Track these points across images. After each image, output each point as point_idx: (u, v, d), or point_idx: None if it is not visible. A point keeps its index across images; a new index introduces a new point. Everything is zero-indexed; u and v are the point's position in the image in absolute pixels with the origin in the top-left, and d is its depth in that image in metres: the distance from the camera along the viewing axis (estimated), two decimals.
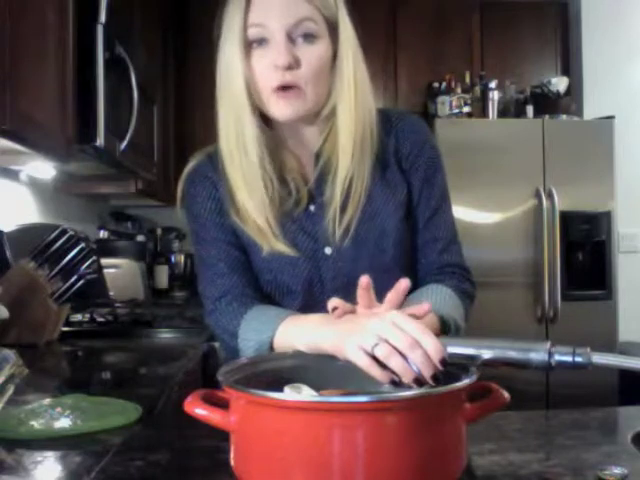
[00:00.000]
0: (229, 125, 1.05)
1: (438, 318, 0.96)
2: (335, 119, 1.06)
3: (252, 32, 1.00)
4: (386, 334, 0.74)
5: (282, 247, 1.05)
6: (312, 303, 1.07)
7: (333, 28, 1.04)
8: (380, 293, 0.91)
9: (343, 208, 1.06)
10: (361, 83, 1.06)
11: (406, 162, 1.12)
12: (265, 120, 1.07)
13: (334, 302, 0.86)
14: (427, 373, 0.72)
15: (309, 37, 1.00)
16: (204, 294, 1.11)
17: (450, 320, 0.98)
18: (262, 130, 1.05)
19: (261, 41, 1.00)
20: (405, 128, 1.13)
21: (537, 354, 0.71)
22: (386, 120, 1.13)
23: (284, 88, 1.00)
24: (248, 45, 1.01)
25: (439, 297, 1.04)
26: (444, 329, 0.96)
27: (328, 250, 1.08)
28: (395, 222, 1.08)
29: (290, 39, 0.99)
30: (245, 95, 1.02)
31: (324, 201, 1.08)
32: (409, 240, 1.11)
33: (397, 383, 0.74)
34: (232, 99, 1.04)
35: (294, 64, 0.99)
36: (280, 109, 1.02)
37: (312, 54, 1.00)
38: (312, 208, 1.09)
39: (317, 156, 1.10)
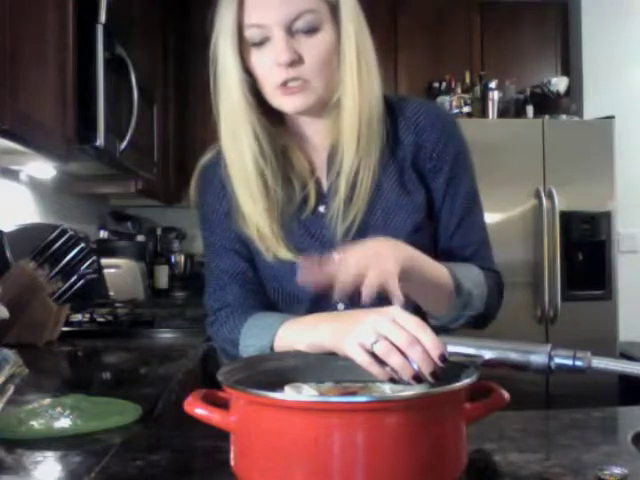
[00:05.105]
0: (228, 125, 1.02)
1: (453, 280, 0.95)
2: (339, 105, 1.01)
3: (251, 33, 0.96)
4: (385, 331, 0.73)
5: (285, 254, 1.02)
6: (319, 312, 1.02)
7: (333, 7, 0.98)
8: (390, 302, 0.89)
9: (350, 200, 1.01)
10: (365, 64, 0.99)
11: (429, 161, 1.04)
12: (273, 117, 1.03)
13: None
14: (426, 370, 0.72)
15: (310, 29, 0.96)
16: (206, 305, 1.11)
17: (463, 283, 0.97)
18: (265, 129, 1.01)
19: (262, 41, 0.96)
20: (426, 122, 1.05)
21: (537, 357, 0.71)
22: (401, 110, 1.05)
23: (289, 83, 0.96)
24: (246, 44, 0.98)
25: (463, 266, 1.01)
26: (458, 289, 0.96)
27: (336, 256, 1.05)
28: (409, 229, 1.02)
29: (290, 33, 0.95)
30: (242, 96, 0.99)
31: (331, 196, 1.03)
32: (426, 246, 1.03)
33: (396, 380, 0.74)
34: (229, 99, 1.01)
35: (297, 60, 0.95)
36: (288, 102, 0.98)
37: (314, 47, 0.96)
38: (321, 209, 1.05)
39: (327, 151, 1.05)
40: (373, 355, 0.75)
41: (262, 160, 1.01)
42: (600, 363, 0.69)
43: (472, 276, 1.01)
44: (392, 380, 0.75)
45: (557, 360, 0.70)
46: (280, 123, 1.06)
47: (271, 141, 1.03)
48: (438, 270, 0.95)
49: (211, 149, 1.12)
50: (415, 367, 0.72)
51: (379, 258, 0.83)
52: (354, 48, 0.98)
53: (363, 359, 0.75)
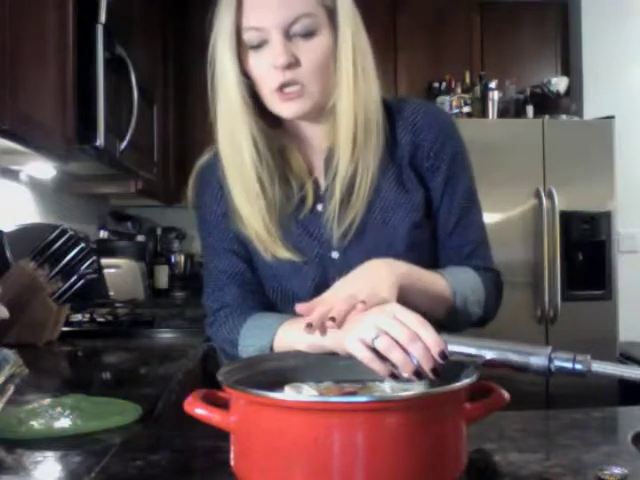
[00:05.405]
0: (225, 127, 1.02)
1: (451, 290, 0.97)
2: (335, 109, 1.00)
3: (249, 36, 0.96)
4: (386, 326, 0.73)
5: (284, 253, 1.02)
6: None
7: (331, 12, 0.98)
8: None
9: (347, 202, 1.00)
10: (361, 69, 0.99)
11: (427, 160, 1.05)
12: (271, 119, 1.03)
13: (300, 309, 0.81)
14: (427, 366, 0.72)
15: (308, 33, 0.95)
16: (205, 305, 1.11)
17: (460, 291, 0.98)
18: (262, 131, 1.01)
19: (260, 44, 0.96)
20: (424, 122, 1.05)
21: (537, 358, 0.71)
22: (399, 112, 1.06)
23: (286, 87, 0.96)
24: (244, 47, 0.97)
25: (459, 272, 1.02)
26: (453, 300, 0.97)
27: (335, 254, 1.04)
28: (408, 227, 1.03)
29: (287, 36, 0.95)
30: (240, 98, 0.99)
31: (327, 197, 1.03)
32: (425, 245, 1.06)
33: (397, 376, 0.74)
34: (227, 101, 1.01)
35: (294, 63, 0.95)
36: (285, 107, 0.98)
37: (311, 50, 0.96)
38: (319, 207, 1.05)
39: (325, 154, 1.05)
40: (374, 351, 0.75)
41: (259, 162, 1.01)
42: (599, 367, 0.69)
43: (469, 281, 1.02)
44: (393, 376, 0.75)
45: (557, 363, 0.70)
46: (278, 125, 1.06)
47: (268, 143, 1.02)
48: (434, 280, 0.97)
49: (208, 150, 1.11)
50: (415, 363, 0.72)
51: (373, 287, 0.83)
52: (350, 53, 0.98)
53: (364, 355, 0.75)
